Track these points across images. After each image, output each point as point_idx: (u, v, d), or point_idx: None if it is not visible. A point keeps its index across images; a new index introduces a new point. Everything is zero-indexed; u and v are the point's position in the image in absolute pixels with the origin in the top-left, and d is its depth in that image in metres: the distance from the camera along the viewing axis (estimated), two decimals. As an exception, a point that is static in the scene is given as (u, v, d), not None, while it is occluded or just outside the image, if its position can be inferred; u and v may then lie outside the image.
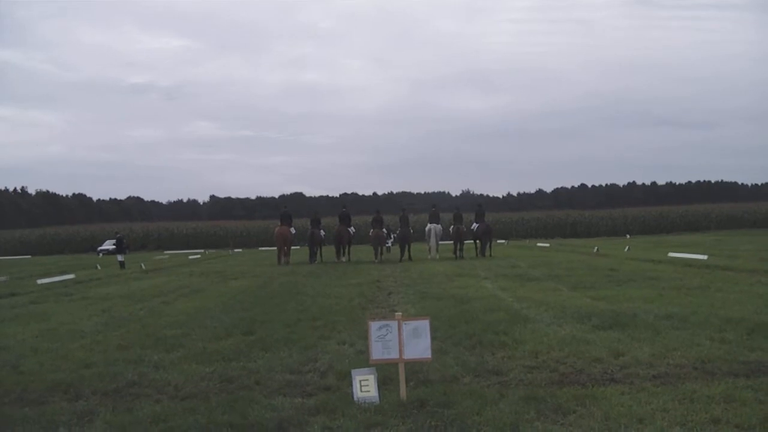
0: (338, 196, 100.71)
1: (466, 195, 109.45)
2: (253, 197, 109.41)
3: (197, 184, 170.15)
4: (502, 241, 43.10)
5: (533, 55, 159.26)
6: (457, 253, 22.55)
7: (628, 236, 49.40)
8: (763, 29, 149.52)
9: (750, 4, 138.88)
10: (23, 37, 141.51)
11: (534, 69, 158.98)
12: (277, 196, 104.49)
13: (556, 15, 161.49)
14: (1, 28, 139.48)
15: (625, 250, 23.22)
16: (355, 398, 4.50)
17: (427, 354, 4.70)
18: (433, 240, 23.01)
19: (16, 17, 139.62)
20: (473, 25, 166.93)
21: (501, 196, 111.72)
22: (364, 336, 5.64)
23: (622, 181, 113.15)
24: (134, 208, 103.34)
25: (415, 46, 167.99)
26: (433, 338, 4.87)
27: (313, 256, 22.34)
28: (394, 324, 4.65)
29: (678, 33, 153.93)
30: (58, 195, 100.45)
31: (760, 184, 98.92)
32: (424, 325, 4.69)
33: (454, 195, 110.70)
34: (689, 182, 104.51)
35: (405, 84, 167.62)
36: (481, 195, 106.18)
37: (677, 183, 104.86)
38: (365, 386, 4.53)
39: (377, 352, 4.64)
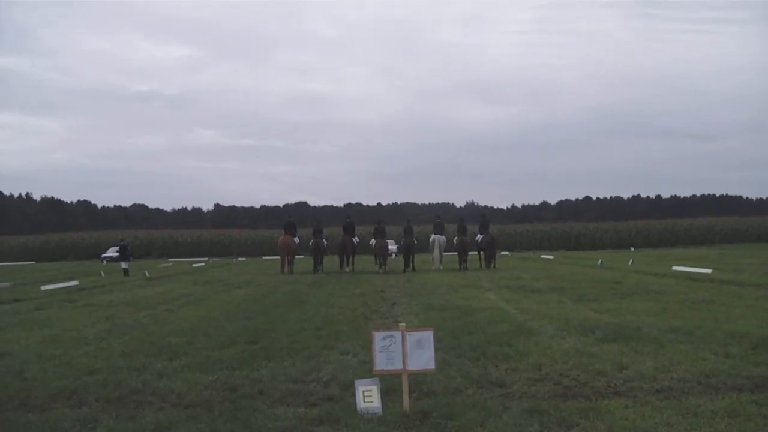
0: (342, 205, 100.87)
1: (471, 206, 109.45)
2: (258, 206, 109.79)
3: (201, 193, 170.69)
4: (506, 252, 43.02)
5: (537, 66, 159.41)
6: (461, 264, 22.53)
7: (632, 249, 49.24)
8: (767, 41, 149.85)
9: (753, 17, 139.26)
10: (27, 44, 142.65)
11: (537, 80, 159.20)
12: (281, 205, 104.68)
13: (560, 27, 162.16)
14: (5, 36, 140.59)
15: (629, 263, 23.15)
16: (359, 409, 4.50)
17: (430, 365, 4.70)
18: (437, 251, 23.00)
19: (19, 24, 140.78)
20: (477, 36, 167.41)
21: (505, 208, 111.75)
22: (368, 346, 5.64)
23: (626, 194, 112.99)
24: (138, 215, 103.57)
25: (419, 57, 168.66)
26: (436, 349, 4.88)
27: (316, 265, 22.36)
28: (398, 335, 4.66)
29: (681, 45, 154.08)
30: (63, 201, 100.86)
31: (765, 197, 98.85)
32: (428, 336, 4.69)
33: (458, 206, 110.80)
34: (694, 195, 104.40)
35: (409, 94, 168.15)
36: (486, 206, 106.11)
37: (682, 196, 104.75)
38: (368, 397, 4.53)
39: (381, 363, 4.64)
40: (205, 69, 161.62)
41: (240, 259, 45.28)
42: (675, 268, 18.92)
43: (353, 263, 23.02)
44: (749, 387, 4.96)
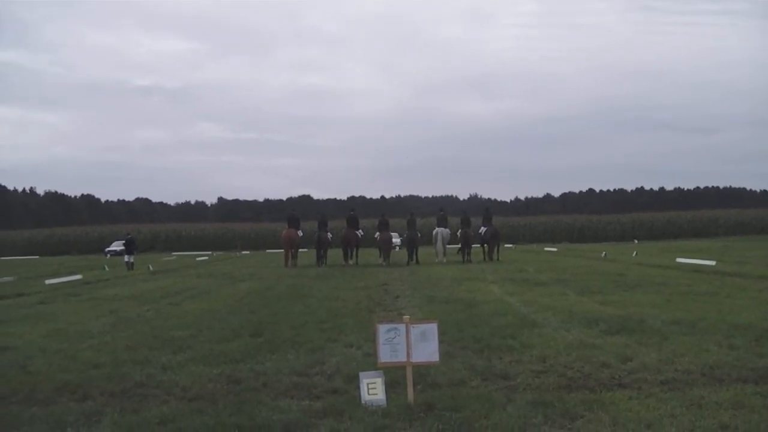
0: (346, 199, 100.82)
1: (474, 199, 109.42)
2: (261, 199, 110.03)
3: (205, 186, 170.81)
4: (510, 245, 43.00)
5: (537, 60, 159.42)
6: (465, 257, 22.53)
7: (635, 241, 49.16)
8: (767, 35, 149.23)
9: (753, 10, 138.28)
10: (29, 38, 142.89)
11: (538, 74, 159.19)
12: (284, 199, 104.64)
13: (560, 20, 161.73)
14: (7, 30, 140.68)
15: (633, 255, 23.12)
16: (363, 401, 4.50)
17: (434, 357, 4.70)
18: (440, 244, 22.99)
19: (22, 19, 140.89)
20: (477, 31, 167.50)
21: (509, 201, 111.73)
22: (372, 339, 5.65)
23: (630, 186, 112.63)
24: (142, 209, 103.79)
25: (420, 51, 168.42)
26: (440, 342, 4.87)
27: (320, 258, 22.36)
28: (402, 327, 4.65)
29: (681, 38, 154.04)
30: (67, 196, 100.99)
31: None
32: (432, 328, 4.69)
33: (461, 199, 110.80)
34: (697, 188, 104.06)
35: (410, 88, 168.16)
36: (489, 199, 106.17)
37: (685, 188, 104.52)
38: (373, 389, 4.53)
39: (385, 355, 4.64)
40: (206, 64, 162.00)
41: (243, 252, 45.36)
42: (678, 260, 18.88)
43: (357, 256, 23.03)
44: (753, 378, 4.96)
